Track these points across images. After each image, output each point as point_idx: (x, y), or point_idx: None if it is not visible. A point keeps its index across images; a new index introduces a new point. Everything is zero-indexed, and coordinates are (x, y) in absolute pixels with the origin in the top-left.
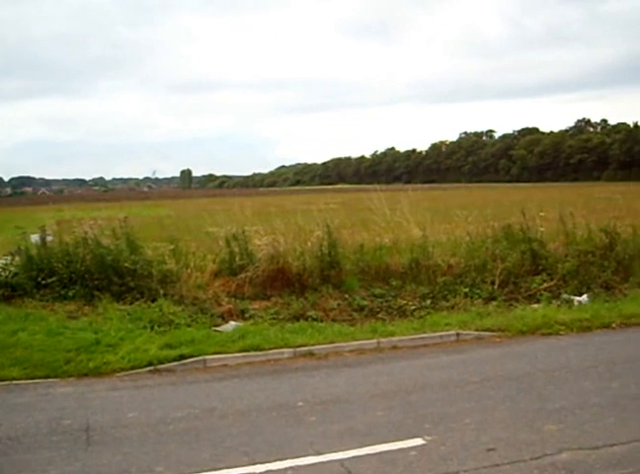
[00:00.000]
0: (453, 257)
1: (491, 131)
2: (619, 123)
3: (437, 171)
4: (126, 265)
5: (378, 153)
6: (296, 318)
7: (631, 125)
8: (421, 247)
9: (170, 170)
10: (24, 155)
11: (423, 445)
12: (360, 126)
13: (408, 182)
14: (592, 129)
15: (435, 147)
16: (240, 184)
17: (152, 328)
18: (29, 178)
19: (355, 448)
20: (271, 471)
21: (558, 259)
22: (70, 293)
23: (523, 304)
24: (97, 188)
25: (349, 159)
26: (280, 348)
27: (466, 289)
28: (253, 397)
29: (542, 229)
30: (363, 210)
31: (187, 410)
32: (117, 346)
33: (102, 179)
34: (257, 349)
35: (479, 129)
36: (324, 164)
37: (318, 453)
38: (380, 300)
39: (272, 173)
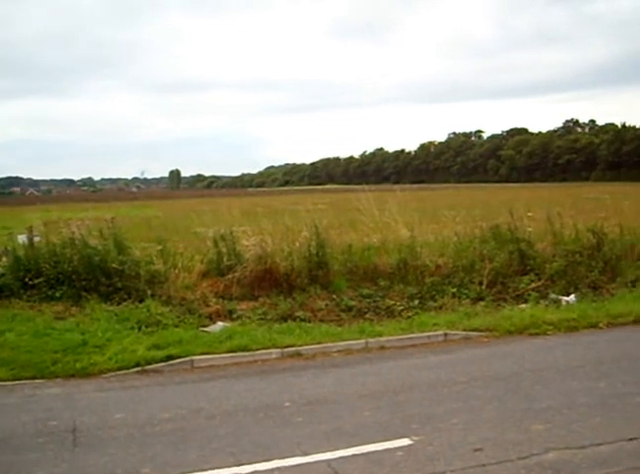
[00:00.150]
0: (441, 257)
1: (479, 132)
2: (607, 124)
3: (425, 171)
4: (114, 265)
5: (367, 153)
6: (284, 318)
7: (619, 126)
8: (409, 247)
9: (159, 170)
10: (12, 155)
11: (410, 446)
12: (348, 127)
13: (397, 182)
14: (580, 130)
15: (423, 147)
16: (229, 184)
17: (140, 328)
18: (17, 178)
19: (342, 449)
20: (257, 472)
21: (546, 259)
22: (57, 294)
23: (511, 304)
24: (85, 188)
25: (337, 159)
26: (268, 348)
27: (454, 290)
28: (240, 398)
29: (530, 229)
30: (352, 211)
31: (174, 411)
32: (104, 346)
33: (90, 179)
34: (244, 349)
35: (468, 130)
36: (313, 164)
37: (305, 454)
38: (368, 300)
39: (260, 173)
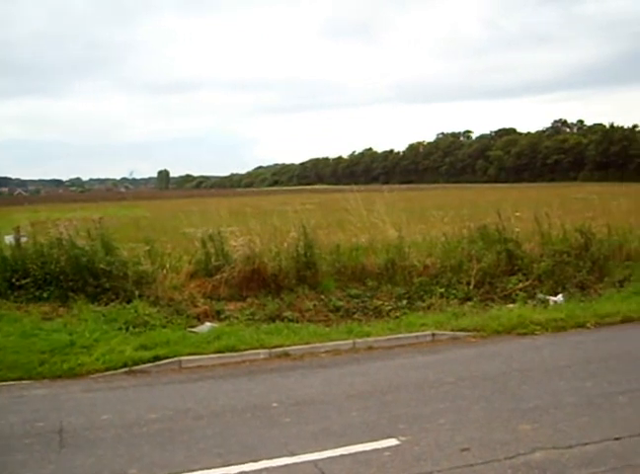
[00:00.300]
0: (429, 257)
1: (468, 132)
2: (595, 124)
3: (414, 171)
4: (102, 266)
5: (356, 154)
6: (272, 319)
7: (607, 126)
8: (397, 247)
9: (147, 170)
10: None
11: (397, 446)
12: (338, 127)
13: (386, 182)
14: (568, 130)
15: (412, 148)
16: (217, 184)
17: (127, 329)
18: (5, 178)
19: (329, 449)
20: (244, 472)
21: (534, 259)
22: (45, 294)
23: (499, 304)
24: (74, 188)
25: (326, 159)
26: (256, 348)
27: (442, 290)
28: (228, 398)
29: (518, 229)
30: (340, 211)
31: (161, 411)
32: (91, 347)
33: (79, 179)
34: (232, 350)
35: (456, 130)
36: (302, 164)
37: (292, 454)
38: (356, 301)
39: (249, 173)
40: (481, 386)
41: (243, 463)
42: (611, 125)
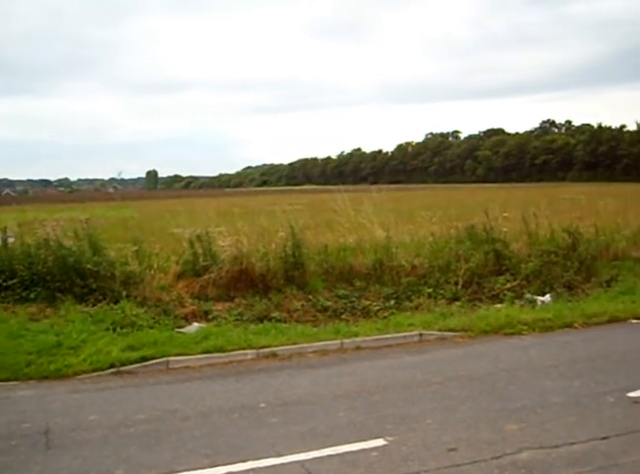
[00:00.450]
0: (417, 257)
1: (457, 132)
2: (583, 125)
3: (403, 172)
4: (89, 266)
5: (345, 154)
6: (260, 319)
7: (595, 126)
8: (385, 248)
9: (136, 171)
10: None
11: (384, 446)
12: (326, 127)
13: (374, 182)
14: (556, 130)
15: (401, 148)
16: (206, 184)
17: (115, 330)
18: None
19: (316, 449)
20: (231, 473)
21: (521, 259)
22: (32, 295)
23: (487, 304)
24: (62, 189)
25: (315, 160)
26: (244, 349)
27: (430, 290)
28: (215, 399)
29: (506, 229)
30: (328, 211)
31: (148, 412)
32: (78, 348)
33: (67, 179)
34: (220, 350)
35: (445, 130)
36: (291, 165)
37: (279, 455)
38: (344, 301)
39: (238, 173)
40: (468, 386)
41: (230, 464)
42: (599, 126)
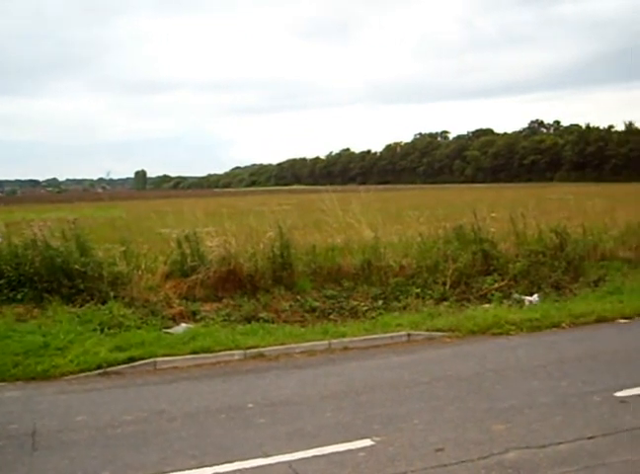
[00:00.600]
0: (405, 258)
1: (445, 132)
2: (572, 125)
3: (391, 172)
4: (76, 267)
5: (333, 154)
6: (248, 320)
7: (583, 127)
8: (373, 248)
9: (124, 171)
10: None
11: (371, 446)
12: (315, 127)
13: (363, 183)
14: (545, 131)
15: (389, 148)
16: (195, 185)
17: (102, 330)
18: None
19: (303, 450)
20: (218, 473)
21: (509, 259)
22: (19, 296)
23: (475, 304)
24: (50, 189)
25: (304, 160)
26: (231, 349)
27: (418, 290)
28: (202, 399)
29: (493, 230)
30: (316, 212)
31: (135, 413)
32: (66, 349)
33: (55, 180)
34: (207, 350)
35: (434, 130)
36: (279, 165)
37: (266, 455)
38: (332, 301)
39: (227, 174)
40: (456, 386)
41: (217, 464)
42: (587, 126)
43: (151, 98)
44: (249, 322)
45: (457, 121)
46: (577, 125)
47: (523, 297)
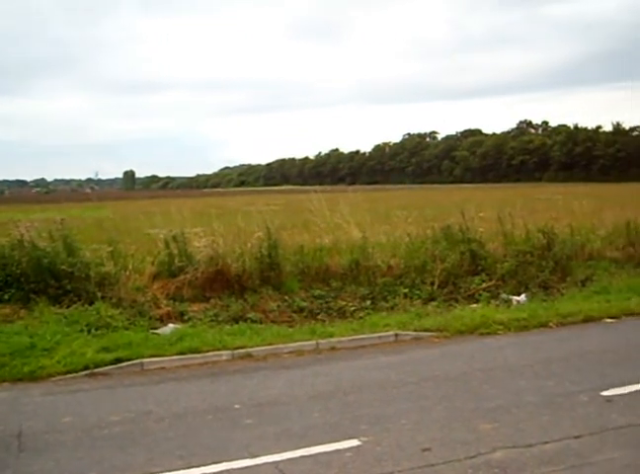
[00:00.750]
0: (393, 258)
1: (434, 133)
2: (560, 125)
3: (380, 172)
4: (63, 267)
5: (322, 154)
6: (235, 320)
7: (571, 127)
8: (361, 248)
9: (113, 171)
10: None
11: (358, 446)
12: (304, 127)
13: (352, 183)
14: (533, 131)
15: (378, 148)
16: (184, 185)
17: (89, 331)
18: None
19: (290, 450)
20: None
21: (497, 259)
22: (6, 297)
23: (463, 304)
24: (38, 189)
25: (293, 160)
26: (219, 350)
27: (406, 290)
28: (190, 400)
29: (481, 230)
30: (305, 212)
31: (122, 414)
32: (52, 350)
33: (43, 180)
34: (195, 351)
35: (422, 130)
36: (268, 165)
37: (253, 456)
38: (320, 301)
39: (216, 174)
40: (443, 386)
41: (204, 465)
42: (575, 126)
43: (140, 98)
44: (237, 322)
45: (446, 122)
46: (565, 126)
47: (511, 297)
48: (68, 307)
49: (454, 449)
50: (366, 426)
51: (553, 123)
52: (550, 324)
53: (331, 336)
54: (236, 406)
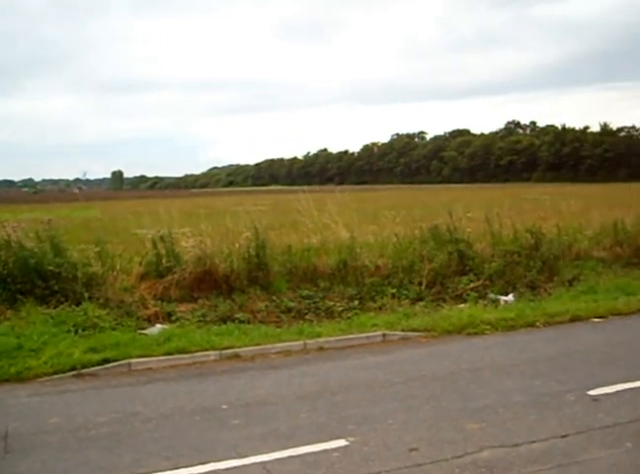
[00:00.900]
0: (381, 258)
1: (422, 133)
2: (548, 126)
3: (369, 172)
4: (50, 268)
5: (311, 154)
6: (223, 320)
7: (559, 128)
8: (349, 248)
9: (101, 171)
10: None
11: (346, 446)
12: (293, 127)
13: (341, 183)
14: (521, 131)
15: (367, 148)
16: (172, 185)
17: (76, 332)
18: None
19: (277, 451)
20: None
21: (485, 259)
22: None
23: (450, 304)
24: (26, 189)
25: (282, 160)
26: (206, 350)
27: (394, 290)
28: (177, 400)
29: (469, 230)
30: (293, 212)
31: (109, 414)
32: (39, 350)
33: (31, 180)
34: (182, 351)
35: (411, 131)
36: (257, 165)
37: (241, 456)
38: (308, 301)
39: (204, 174)
40: (431, 386)
41: (191, 466)
42: (563, 127)
43: (128, 98)
44: (224, 322)
45: (434, 122)
46: (553, 126)
47: (499, 297)
48: (55, 308)
49: (442, 449)
50: (354, 426)
51: (541, 124)
52: (537, 324)
53: (319, 336)
54: (224, 406)
